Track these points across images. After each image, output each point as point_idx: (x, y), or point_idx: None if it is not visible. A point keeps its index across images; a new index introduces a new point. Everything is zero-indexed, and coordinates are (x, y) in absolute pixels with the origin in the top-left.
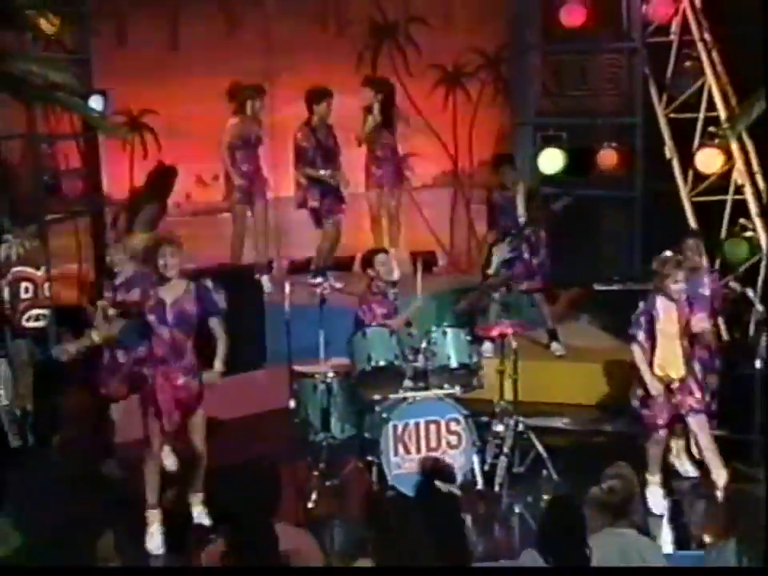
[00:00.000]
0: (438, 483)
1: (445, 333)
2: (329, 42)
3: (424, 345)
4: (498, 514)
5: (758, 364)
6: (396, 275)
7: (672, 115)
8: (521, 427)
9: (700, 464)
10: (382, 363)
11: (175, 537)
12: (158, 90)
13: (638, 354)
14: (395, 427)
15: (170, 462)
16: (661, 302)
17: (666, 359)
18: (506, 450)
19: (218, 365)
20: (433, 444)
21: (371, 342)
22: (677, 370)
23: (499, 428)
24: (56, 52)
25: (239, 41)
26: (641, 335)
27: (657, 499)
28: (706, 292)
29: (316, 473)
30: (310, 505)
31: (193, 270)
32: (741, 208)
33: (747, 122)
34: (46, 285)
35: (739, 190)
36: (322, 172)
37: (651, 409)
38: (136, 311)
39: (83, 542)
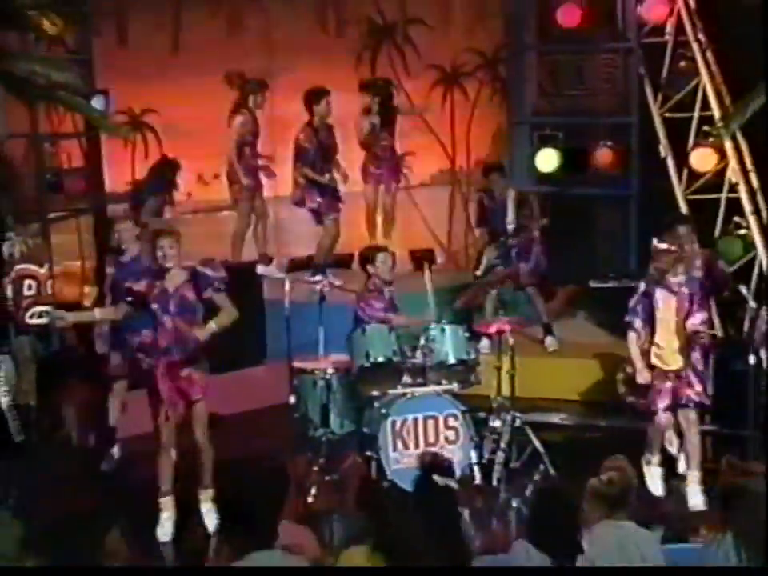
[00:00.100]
0: (435, 477)
1: (443, 330)
2: (328, 42)
3: (422, 341)
4: (496, 508)
5: (751, 360)
6: (392, 275)
7: (667, 114)
8: (518, 423)
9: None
10: (380, 360)
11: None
12: (159, 89)
13: (632, 341)
14: (394, 423)
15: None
16: (660, 293)
17: (663, 350)
18: (503, 445)
19: (213, 325)
20: (431, 439)
21: (370, 338)
22: (674, 361)
23: (496, 423)
24: (58, 52)
25: (240, 41)
26: (637, 323)
27: (655, 480)
28: (698, 273)
29: (315, 468)
30: (309, 499)
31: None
32: (735, 206)
33: (741, 122)
34: (49, 282)
35: (733, 188)
36: (323, 177)
37: (642, 395)
38: (141, 300)
39: (85, 535)
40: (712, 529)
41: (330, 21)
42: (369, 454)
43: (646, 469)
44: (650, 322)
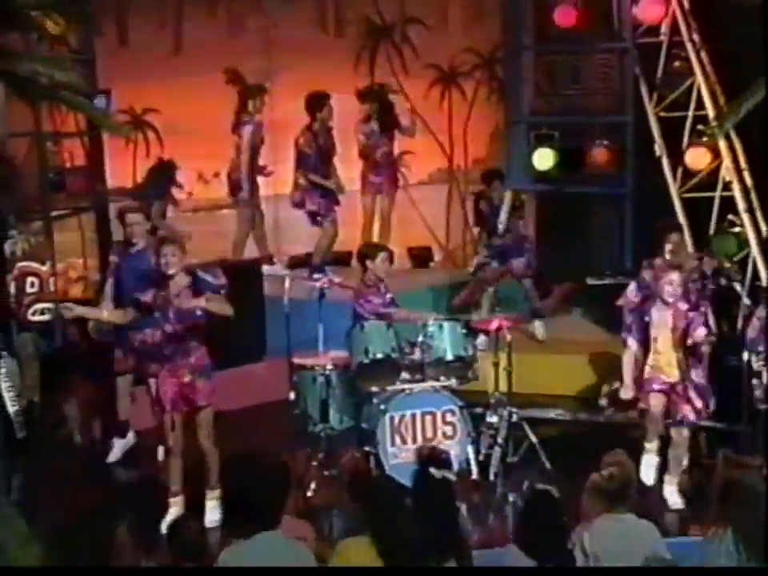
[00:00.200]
0: (432, 470)
1: (441, 326)
2: (328, 42)
3: (420, 338)
4: (493, 502)
5: (745, 356)
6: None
7: (662, 114)
8: (515, 418)
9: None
10: (379, 356)
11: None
12: (160, 89)
13: (625, 359)
14: (392, 418)
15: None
16: (656, 309)
17: (660, 362)
18: (500, 440)
19: (203, 301)
20: (429, 434)
21: (369, 335)
22: (671, 374)
23: (494, 419)
24: (61, 52)
25: (240, 41)
26: (630, 340)
27: (649, 470)
28: (694, 278)
29: (315, 463)
30: (309, 494)
31: (194, 266)
32: (729, 204)
33: (735, 121)
34: (51, 279)
35: (727, 186)
36: (329, 182)
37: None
38: (147, 308)
39: (88, 531)
40: (710, 523)
41: (330, 21)
42: (367, 449)
43: (643, 457)
44: (645, 336)
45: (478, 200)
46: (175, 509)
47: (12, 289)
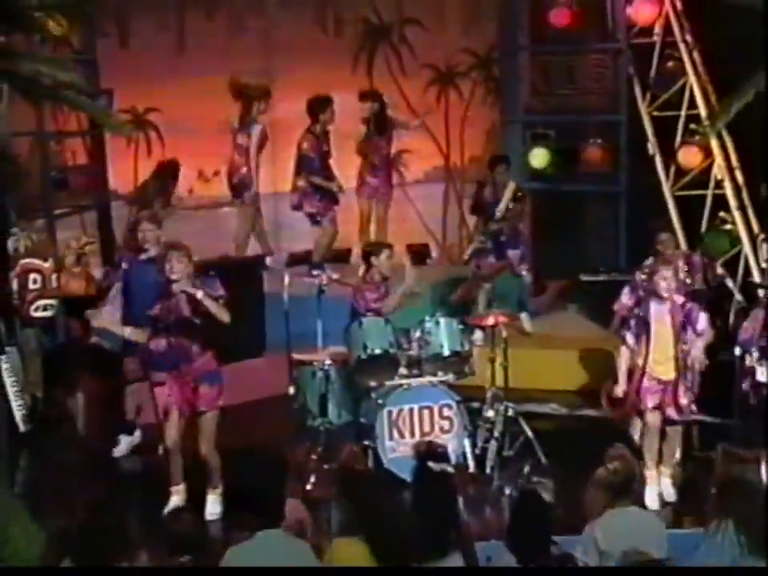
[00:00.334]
0: (430, 464)
1: (438, 322)
2: (327, 43)
3: (418, 334)
4: (489, 495)
5: (737, 351)
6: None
7: (655, 113)
8: (511, 412)
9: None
10: (377, 351)
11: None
12: (161, 89)
13: (623, 353)
14: (390, 413)
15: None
16: (653, 306)
17: (657, 360)
18: (496, 434)
19: (200, 293)
20: (426, 429)
21: (367, 331)
22: (667, 372)
23: (490, 413)
24: (63, 53)
25: (241, 42)
26: (629, 337)
27: (653, 499)
28: (683, 275)
29: (314, 457)
30: (308, 487)
31: (195, 263)
32: (721, 202)
33: (726, 120)
34: (54, 276)
35: (719, 184)
36: (332, 185)
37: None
38: (155, 321)
39: (91, 525)
40: (705, 516)
41: (329, 22)
42: (366, 443)
43: (646, 489)
44: (645, 334)
45: (480, 187)
46: (177, 497)
47: (15, 285)
